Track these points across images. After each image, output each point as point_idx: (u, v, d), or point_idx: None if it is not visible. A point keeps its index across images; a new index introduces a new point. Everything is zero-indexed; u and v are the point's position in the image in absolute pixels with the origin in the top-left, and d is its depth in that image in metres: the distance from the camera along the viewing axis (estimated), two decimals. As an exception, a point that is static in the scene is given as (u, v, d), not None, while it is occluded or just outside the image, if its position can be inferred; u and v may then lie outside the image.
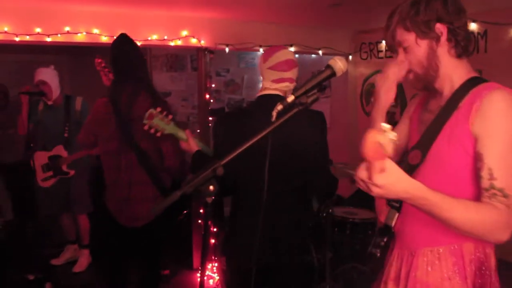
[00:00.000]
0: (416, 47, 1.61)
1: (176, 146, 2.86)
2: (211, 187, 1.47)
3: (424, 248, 1.64)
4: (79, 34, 3.78)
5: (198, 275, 4.55)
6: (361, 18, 4.42)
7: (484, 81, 1.58)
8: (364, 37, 5.03)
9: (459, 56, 1.63)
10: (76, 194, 4.65)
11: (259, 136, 1.51)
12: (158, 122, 2.56)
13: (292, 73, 2.49)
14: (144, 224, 3.04)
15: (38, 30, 3.65)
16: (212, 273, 4.48)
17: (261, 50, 4.65)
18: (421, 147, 1.64)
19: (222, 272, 4.08)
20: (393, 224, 1.66)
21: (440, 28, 1.58)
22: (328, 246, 3.52)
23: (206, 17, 4.31)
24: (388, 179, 1.29)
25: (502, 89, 1.50)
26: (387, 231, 1.67)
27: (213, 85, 4.66)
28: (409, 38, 1.61)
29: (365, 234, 3.67)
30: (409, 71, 1.67)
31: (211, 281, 4.44)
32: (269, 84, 2.47)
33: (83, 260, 4.79)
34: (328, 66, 1.58)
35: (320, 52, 4.89)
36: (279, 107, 1.53)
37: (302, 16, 4.34)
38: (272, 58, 2.46)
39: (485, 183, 1.45)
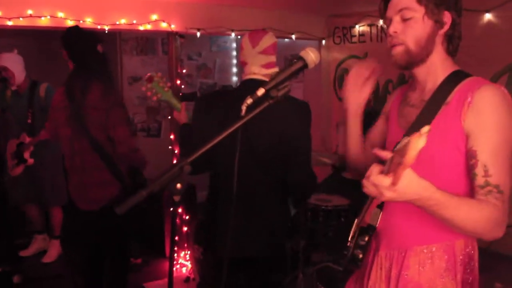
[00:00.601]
0: (421, 23, 1.54)
1: (127, 133, 3.04)
2: (179, 185, 1.43)
3: (416, 246, 1.61)
4: (42, 18, 3.62)
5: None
6: (335, 2, 4.37)
7: (468, 75, 1.57)
8: (338, 22, 4.99)
9: (448, 53, 1.61)
10: (47, 185, 4.53)
11: (228, 131, 1.45)
12: (156, 87, 2.72)
13: (275, 57, 2.48)
14: (102, 207, 3.06)
15: (-2, 13, 3.48)
16: (185, 261, 4.44)
17: (233, 34, 4.57)
18: None
19: (196, 261, 4.04)
20: (377, 223, 1.64)
21: (447, 16, 1.55)
22: (301, 234, 3.51)
23: (176, 1, 4.19)
24: (402, 182, 1.24)
25: (491, 84, 1.50)
26: (369, 230, 1.64)
27: (184, 71, 4.56)
28: (418, 11, 1.54)
29: (338, 221, 3.66)
30: (401, 43, 1.58)
31: (184, 269, 4.41)
32: (258, 69, 2.42)
33: (53, 251, 4.70)
34: (300, 58, 1.52)
35: (293, 36, 4.83)
36: (249, 101, 1.47)
37: (275, 0, 4.26)
38: (262, 42, 2.42)
39: (479, 180, 1.44)
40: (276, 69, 2.45)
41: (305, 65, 1.53)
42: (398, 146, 1.23)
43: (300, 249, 3.48)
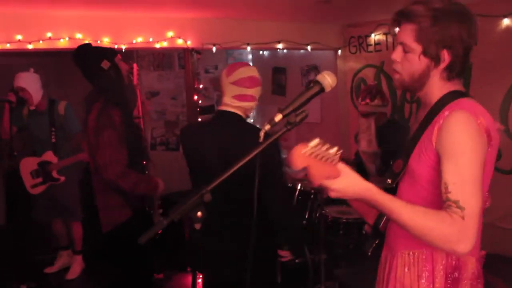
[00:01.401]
0: (417, 60, 1.62)
1: (107, 158, 2.80)
2: (199, 213, 1.44)
3: (403, 250, 1.74)
4: (61, 40, 3.69)
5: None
6: (350, 12, 4.35)
7: (461, 96, 1.62)
8: (353, 31, 4.97)
9: (448, 79, 1.65)
10: (68, 201, 4.58)
11: (247, 159, 1.46)
12: None
13: (255, 91, 2.44)
14: (110, 230, 3.01)
15: (18, 37, 3.55)
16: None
17: (249, 48, 4.59)
18: (403, 156, 1.71)
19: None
20: (381, 225, 1.75)
21: (445, 55, 1.60)
22: (322, 247, 3.50)
23: (192, 17, 4.23)
24: (341, 183, 1.45)
25: (462, 111, 1.54)
26: (378, 232, 1.77)
27: (200, 86, 4.60)
28: (415, 48, 1.61)
29: (359, 234, 3.64)
30: (398, 72, 1.69)
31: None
32: (229, 100, 2.42)
33: (76, 267, 4.73)
34: (317, 82, 1.52)
35: (309, 47, 4.83)
36: (267, 127, 1.47)
37: (290, 12, 4.27)
38: (236, 73, 2.41)
39: (442, 196, 1.52)
40: (249, 103, 2.42)
41: (322, 89, 1.53)
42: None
43: (322, 261, 3.47)
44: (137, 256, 3.22)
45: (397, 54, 1.66)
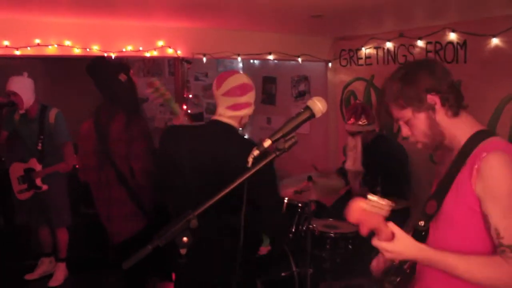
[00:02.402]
0: (416, 121, 1.70)
1: (147, 165, 3.01)
2: (185, 239, 1.43)
3: None
4: (50, 47, 3.64)
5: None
6: (341, 26, 4.36)
7: (489, 135, 1.67)
8: (344, 44, 4.98)
9: (456, 115, 1.71)
10: (54, 207, 4.53)
11: (235, 184, 1.45)
12: (156, 92, 2.91)
13: (248, 97, 2.43)
14: (123, 240, 3.13)
15: (6, 43, 3.50)
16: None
17: (239, 58, 4.58)
18: (437, 198, 1.74)
19: None
20: (406, 265, 1.78)
21: (432, 98, 1.67)
22: (308, 261, 3.49)
23: (182, 27, 4.21)
24: (396, 247, 1.57)
25: (500, 152, 1.59)
26: (401, 271, 1.79)
27: (190, 96, 4.58)
28: (406, 114, 1.71)
29: (346, 249, 3.63)
30: (416, 141, 1.77)
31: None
32: (223, 111, 2.41)
33: (60, 274, 4.68)
34: (307, 108, 1.53)
35: (299, 59, 4.82)
36: (255, 152, 1.47)
37: (282, 25, 4.27)
38: (225, 84, 2.39)
39: (495, 241, 1.58)
40: (244, 111, 2.41)
41: (312, 115, 1.53)
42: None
43: (308, 276, 3.46)
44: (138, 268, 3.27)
45: (404, 131, 1.77)
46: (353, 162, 3.92)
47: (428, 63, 1.76)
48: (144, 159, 3.04)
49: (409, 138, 1.78)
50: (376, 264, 1.97)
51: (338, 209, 4.21)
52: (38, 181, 4.36)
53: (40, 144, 4.33)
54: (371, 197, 1.51)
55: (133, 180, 3.12)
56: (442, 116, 1.70)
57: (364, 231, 1.57)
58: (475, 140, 1.67)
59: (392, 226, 1.57)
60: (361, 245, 3.66)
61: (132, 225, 3.14)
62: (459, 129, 1.71)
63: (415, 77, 1.68)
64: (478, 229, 1.63)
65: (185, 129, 2.66)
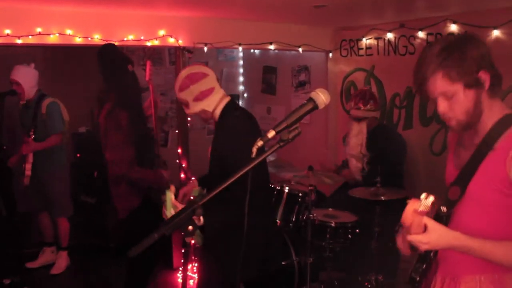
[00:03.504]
0: (464, 97, 1.62)
1: (117, 156, 3.11)
2: (190, 227, 1.45)
3: (466, 275, 1.75)
4: (51, 36, 3.65)
5: (179, 275, 4.53)
6: (343, 16, 4.36)
7: None
8: (345, 34, 4.98)
9: (494, 96, 1.67)
10: (54, 195, 4.55)
11: (239, 174, 1.47)
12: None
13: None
14: (121, 219, 3.30)
15: (7, 31, 3.50)
16: (192, 273, 4.45)
17: (240, 48, 4.58)
18: (460, 183, 1.72)
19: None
20: (432, 252, 1.80)
21: (483, 76, 1.61)
22: (308, 250, 3.52)
23: (184, 16, 4.21)
24: (431, 237, 1.57)
25: None
26: (427, 258, 1.81)
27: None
28: (456, 88, 1.61)
29: (346, 238, 3.67)
30: (452, 118, 1.68)
31: (191, 282, 4.41)
32: None
33: (61, 262, 4.71)
34: (310, 99, 1.54)
35: (300, 49, 4.82)
36: (259, 143, 1.49)
37: (283, 15, 4.27)
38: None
39: None
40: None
41: (316, 106, 1.54)
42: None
43: (308, 265, 3.49)
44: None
45: (443, 106, 1.66)
46: (358, 147, 3.94)
47: (472, 38, 1.66)
48: (113, 152, 3.13)
49: (444, 115, 1.68)
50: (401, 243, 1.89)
51: (337, 199, 4.25)
52: (27, 166, 4.35)
53: (32, 133, 4.32)
54: (422, 196, 1.54)
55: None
56: (486, 97, 1.65)
57: (412, 232, 1.59)
58: (504, 124, 1.64)
59: (425, 218, 1.56)
60: (361, 235, 3.70)
61: (129, 201, 3.27)
62: (488, 111, 1.67)
63: (467, 51, 1.59)
64: (508, 214, 1.64)
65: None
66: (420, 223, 1.56)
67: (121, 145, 3.10)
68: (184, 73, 2.62)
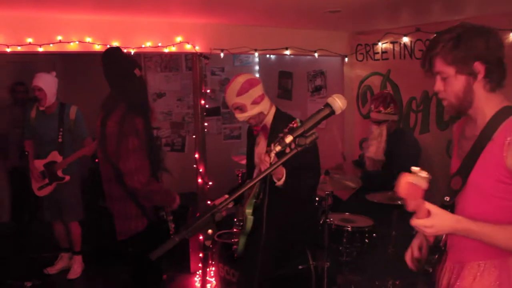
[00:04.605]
0: (455, 81, 1.74)
1: (137, 165, 2.78)
2: (210, 231, 1.48)
3: (472, 262, 1.82)
4: (71, 43, 3.72)
5: (196, 279, 4.55)
6: (358, 21, 4.37)
7: None
8: (360, 39, 4.99)
9: (492, 90, 1.75)
10: (67, 201, 4.62)
11: (259, 178, 1.50)
12: None
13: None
14: (124, 240, 3.03)
15: (29, 40, 3.58)
16: (210, 277, 4.47)
17: (256, 53, 4.61)
18: (461, 174, 1.81)
19: (220, 279, 4.08)
20: (441, 243, 1.88)
21: (478, 66, 1.70)
22: (325, 254, 3.52)
23: (200, 23, 4.26)
24: (435, 221, 1.63)
25: None
26: (438, 249, 1.89)
27: (208, 91, 4.62)
28: (449, 71, 1.74)
29: (363, 243, 3.66)
30: (444, 98, 1.82)
31: (208, 286, 4.44)
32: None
33: (77, 267, 4.77)
34: (327, 105, 1.57)
35: (316, 54, 4.84)
36: (277, 148, 1.52)
37: (299, 20, 4.30)
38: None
39: None
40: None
41: (332, 112, 1.57)
42: None
43: (325, 269, 3.49)
44: (141, 266, 3.20)
45: (438, 84, 1.80)
46: (376, 150, 3.94)
47: (486, 30, 1.75)
48: (131, 160, 2.79)
49: (440, 93, 1.82)
50: (409, 257, 2.03)
51: (354, 203, 4.24)
52: (60, 173, 4.45)
53: (60, 137, 4.43)
54: (414, 168, 1.57)
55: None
56: (479, 87, 1.74)
57: (410, 206, 1.61)
58: (502, 115, 1.71)
59: (427, 204, 1.62)
60: (377, 238, 3.70)
61: (133, 225, 2.99)
62: (488, 104, 1.75)
63: (470, 41, 1.70)
64: (508, 200, 1.70)
65: None
66: (424, 209, 1.62)
67: (139, 152, 2.83)
68: (241, 79, 2.93)
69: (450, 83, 1.75)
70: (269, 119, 3.00)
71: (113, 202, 2.99)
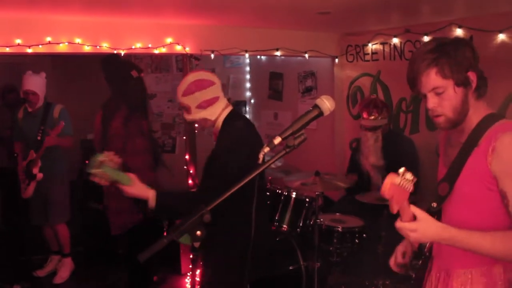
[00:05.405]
0: (453, 94, 1.69)
1: (144, 163, 3.02)
2: (199, 233, 1.48)
3: (459, 269, 1.82)
4: (61, 44, 3.70)
5: (187, 280, 4.55)
6: (348, 22, 4.39)
7: (500, 118, 1.72)
8: (351, 40, 5.01)
9: (480, 97, 1.75)
10: (53, 203, 4.56)
11: (246, 179, 1.50)
12: (107, 170, 2.25)
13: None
14: (119, 234, 3.22)
15: (18, 41, 3.56)
16: (200, 278, 4.47)
17: (247, 54, 4.62)
18: (448, 180, 1.80)
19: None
20: (426, 248, 1.90)
21: (471, 76, 1.69)
22: (316, 255, 3.53)
23: (191, 24, 4.25)
24: (420, 226, 1.60)
25: None
26: (421, 254, 1.91)
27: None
28: (446, 85, 1.68)
29: (353, 243, 3.68)
30: (440, 115, 1.74)
31: (198, 287, 4.43)
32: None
33: (64, 271, 4.72)
34: (316, 106, 1.57)
35: (306, 55, 4.86)
36: (266, 149, 1.52)
37: (289, 21, 4.31)
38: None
39: None
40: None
41: (321, 113, 1.57)
42: None
43: (315, 269, 3.51)
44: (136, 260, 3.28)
45: (433, 102, 1.72)
46: (377, 157, 3.95)
47: (466, 41, 1.76)
48: (141, 157, 3.07)
49: (434, 110, 1.74)
50: (393, 262, 2.03)
51: (344, 204, 4.26)
52: (35, 170, 4.35)
53: (39, 135, 4.35)
54: (400, 170, 1.55)
55: None
56: (471, 96, 1.73)
57: (394, 207, 1.59)
58: (486, 122, 1.72)
59: (413, 208, 1.61)
60: (367, 239, 3.71)
61: (129, 218, 3.19)
62: (474, 112, 1.75)
63: (460, 52, 1.67)
64: (494, 207, 1.70)
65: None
66: (408, 212, 1.60)
67: (145, 150, 3.11)
68: (191, 78, 2.55)
69: (448, 97, 1.69)
70: (219, 124, 2.59)
71: (111, 199, 3.15)
